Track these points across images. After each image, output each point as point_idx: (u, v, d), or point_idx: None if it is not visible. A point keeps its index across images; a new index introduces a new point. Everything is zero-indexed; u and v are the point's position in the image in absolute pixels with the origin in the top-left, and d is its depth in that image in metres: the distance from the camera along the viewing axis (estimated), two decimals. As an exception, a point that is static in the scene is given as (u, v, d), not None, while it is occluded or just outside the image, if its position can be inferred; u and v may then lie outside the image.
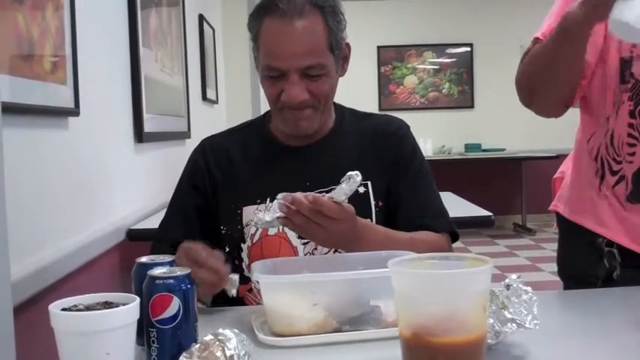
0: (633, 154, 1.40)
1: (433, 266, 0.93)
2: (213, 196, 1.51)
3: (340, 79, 1.50)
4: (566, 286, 1.58)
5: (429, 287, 0.87)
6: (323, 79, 1.41)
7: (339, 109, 1.59)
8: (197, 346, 0.88)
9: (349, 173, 1.24)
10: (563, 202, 1.58)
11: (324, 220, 1.21)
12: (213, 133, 1.63)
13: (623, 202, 1.43)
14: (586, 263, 1.49)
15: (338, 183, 1.47)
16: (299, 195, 1.20)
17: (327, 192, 1.27)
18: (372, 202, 1.48)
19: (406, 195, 1.49)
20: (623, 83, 1.40)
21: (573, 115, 1.60)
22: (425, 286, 0.87)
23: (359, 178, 1.23)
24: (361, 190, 1.47)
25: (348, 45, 1.49)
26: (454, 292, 0.86)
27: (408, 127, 1.59)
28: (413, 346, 0.87)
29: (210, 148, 1.55)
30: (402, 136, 1.56)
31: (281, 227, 1.34)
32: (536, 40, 1.47)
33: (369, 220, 1.43)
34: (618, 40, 1.37)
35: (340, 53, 1.45)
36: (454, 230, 1.52)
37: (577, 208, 1.52)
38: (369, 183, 1.48)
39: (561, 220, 1.58)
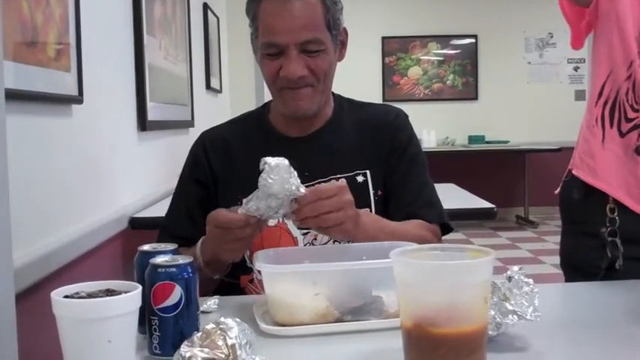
0: None
1: (435, 257, 0.93)
2: (215, 188, 1.51)
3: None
4: (568, 277, 1.56)
5: (431, 278, 0.87)
6: (321, 55, 1.42)
7: (337, 98, 1.59)
8: (199, 334, 0.88)
9: (266, 160, 1.17)
10: (573, 159, 1.56)
11: (333, 202, 1.20)
12: (217, 122, 1.63)
13: (630, 152, 1.41)
14: (588, 253, 1.48)
15: (337, 173, 1.47)
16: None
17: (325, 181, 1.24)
18: (371, 191, 1.48)
19: (399, 183, 1.50)
20: None
21: (577, 110, 1.59)
22: (427, 276, 0.87)
23: (275, 162, 1.17)
24: (360, 179, 1.48)
25: (345, 30, 1.50)
26: (456, 283, 0.86)
27: (405, 116, 1.59)
28: (414, 336, 0.87)
29: (209, 140, 1.56)
30: (398, 124, 1.56)
31: (281, 219, 1.33)
32: None
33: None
34: None
35: (338, 34, 1.46)
36: (445, 222, 1.52)
37: (578, 161, 1.51)
38: (367, 172, 1.49)
39: (569, 177, 1.56)
